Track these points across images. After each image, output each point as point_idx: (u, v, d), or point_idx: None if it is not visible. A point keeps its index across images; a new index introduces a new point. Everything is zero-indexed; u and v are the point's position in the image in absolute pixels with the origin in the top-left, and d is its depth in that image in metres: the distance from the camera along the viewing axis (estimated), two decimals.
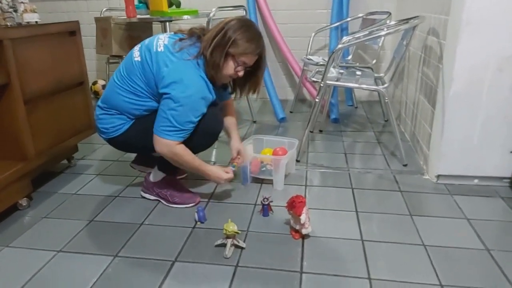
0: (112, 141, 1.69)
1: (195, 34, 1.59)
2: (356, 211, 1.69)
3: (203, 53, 1.54)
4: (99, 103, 1.67)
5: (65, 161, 2.21)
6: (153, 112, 1.59)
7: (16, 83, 1.66)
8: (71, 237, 1.55)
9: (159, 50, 1.55)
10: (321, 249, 1.44)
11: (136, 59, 1.59)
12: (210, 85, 1.57)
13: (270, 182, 1.93)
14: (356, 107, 3.32)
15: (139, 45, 1.65)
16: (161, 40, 1.59)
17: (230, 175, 1.72)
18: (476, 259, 1.38)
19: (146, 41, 1.64)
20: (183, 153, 1.58)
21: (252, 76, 1.67)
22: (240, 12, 2.80)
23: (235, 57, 1.55)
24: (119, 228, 1.60)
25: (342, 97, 3.41)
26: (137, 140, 1.65)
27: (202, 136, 1.62)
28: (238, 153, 1.84)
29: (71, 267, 1.38)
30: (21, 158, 1.73)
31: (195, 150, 1.67)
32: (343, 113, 3.15)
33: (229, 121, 1.88)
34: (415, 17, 1.98)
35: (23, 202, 1.76)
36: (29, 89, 1.74)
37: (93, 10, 3.67)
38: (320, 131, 2.72)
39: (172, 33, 1.68)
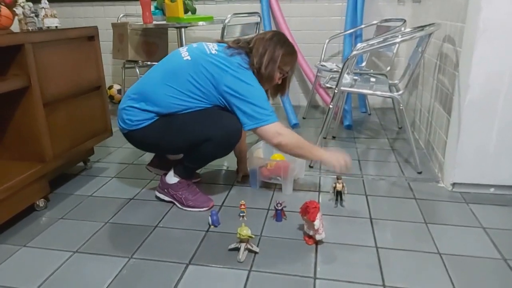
0: (131, 134, 1.70)
1: (241, 47, 1.71)
2: (371, 218, 1.68)
3: (255, 66, 1.67)
4: (130, 94, 1.68)
5: (81, 164, 2.25)
6: (184, 113, 1.63)
7: (36, 86, 1.70)
8: (87, 239, 1.57)
9: (213, 52, 1.65)
10: (335, 255, 1.44)
11: (185, 58, 1.64)
12: None
13: (281, 187, 1.94)
14: (370, 114, 3.31)
15: (185, 47, 1.72)
16: (210, 45, 1.71)
17: (348, 161, 1.71)
18: (492, 268, 1.36)
19: (194, 44, 1.74)
20: (294, 136, 1.70)
21: (284, 81, 1.84)
22: (255, 19, 2.82)
23: (282, 68, 1.74)
24: (134, 230, 1.62)
25: (355, 104, 3.40)
26: (155, 138, 1.67)
27: (225, 138, 1.64)
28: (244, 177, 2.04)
29: (87, 268, 1.40)
30: (40, 160, 1.77)
31: (216, 155, 1.72)
32: (357, 119, 3.14)
33: (243, 148, 2.04)
34: (430, 24, 1.98)
35: (41, 203, 1.79)
36: (48, 92, 1.78)
37: (110, 16, 3.74)
38: (333, 137, 2.72)
39: (216, 42, 1.76)
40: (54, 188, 2.00)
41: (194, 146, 1.65)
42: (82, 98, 2.03)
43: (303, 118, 3.23)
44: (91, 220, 1.71)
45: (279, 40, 1.73)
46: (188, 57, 1.64)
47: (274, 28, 3.40)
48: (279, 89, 1.88)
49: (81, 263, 1.42)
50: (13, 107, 1.72)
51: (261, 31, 1.84)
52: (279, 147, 1.68)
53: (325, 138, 2.70)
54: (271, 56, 1.69)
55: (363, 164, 2.25)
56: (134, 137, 1.70)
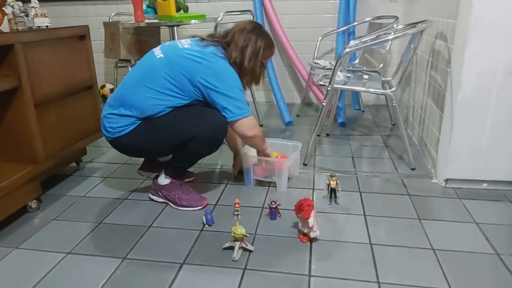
0: (115, 142, 1.68)
1: (216, 40, 1.69)
2: (364, 215, 1.69)
3: (235, 62, 1.66)
4: (110, 101, 1.67)
5: (74, 164, 2.23)
6: (166, 114, 1.61)
7: (27, 87, 1.68)
8: (80, 239, 1.56)
9: (186, 46, 1.64)
10: (329, 253, 1.44)
11: (159, 56, 1.63)
12: None
13: (275, 185, 1.94)
14: (363, 111, 3.32)
15: (159, 47, 1.71)
16: (183, 41, 1.69)
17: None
18: (485, 264, 1.37)
19: (167, 43, 1.72)
20: (261, 131, 1.77)
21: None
22: (247, 17, 2.81)
23: (262, 61, 1.74)
24: (128, 231, 1.61)
25: (349, 101, 3.41)
26: (140, 143, 1.66)
27: (211, 134, 1.64)
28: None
29: (80, 269, 1.39)
30: (31, 161, 1.75)
31: (204, 152, 1.70)
32: (350, 117, 3.15)
33: (238, 141, 2.04)
34: (423, 21, 1.98)
35: (33, 204, 1.77)
36: (39, 92, 1.76)
37: (101, 14, 3.71)
38: (327, 134, 2.72)
39: (191, 37, 1.74)
40: (47, 189, 1.99)
41: (181, 146, 1.65)
42: (74, 98, 2.01)
43: (297, 115, 3.23)
44: (84, 221, 1.69)
45: (260, 32, 1.72)
46: (161, 55, 1.63)
47: (267, 26, 3.39)
48: (254, 79, 1.82)
49: (74, 265, 1.41)
50: (4, 108, 1.70)
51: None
52: (252, 140, 1.73)
53: (318, 135, 2.70)
54: (253, 50, 1.68)
55: (357, 161, 2.26)
56: (119, 144, 1.68)
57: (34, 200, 1.78)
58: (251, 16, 2.87)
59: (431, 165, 2.12)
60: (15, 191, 1.64)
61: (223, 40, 1.69)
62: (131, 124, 1.63)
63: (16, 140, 1.74)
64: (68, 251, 1.48)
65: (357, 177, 2.05)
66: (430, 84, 2.24)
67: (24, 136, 1.72)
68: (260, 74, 1.78)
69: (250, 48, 1.67)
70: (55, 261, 1.43)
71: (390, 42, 2.79)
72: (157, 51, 1.66)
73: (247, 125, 1.67)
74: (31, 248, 1.51)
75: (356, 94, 3.36)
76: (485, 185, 1.89)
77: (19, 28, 1.83)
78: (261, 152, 1.87)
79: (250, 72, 1.71)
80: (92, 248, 1.50)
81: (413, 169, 2.13)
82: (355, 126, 2.92)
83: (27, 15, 1.85)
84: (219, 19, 2.48)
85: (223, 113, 1.63)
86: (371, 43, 2.07)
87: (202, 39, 1.67)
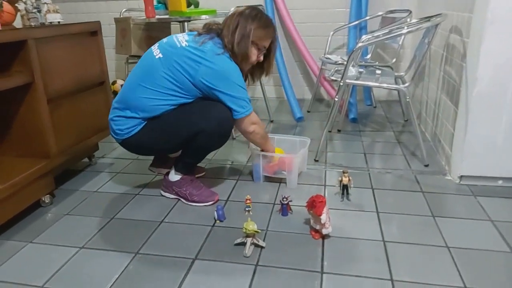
0: (125, 143, 1.69)
1: (212, 30, 1.65)
2: (377, 212, 1.67)
3: (228, 47, 1.61)
4: (115, 104, 1.67)
5: (86, 159, 2.24)
6: (168, 112, 1.61)
7: (40, 82, 1.69)
8: (93, 234, 1.57)
9: (183, 45, 1.60)
10: (341, 250, 1.42)
11: (157, 56, 1.60)
12: None
13: (285, 180, 1.93)
14: (375, 107, 3.28)
15: (156, 45, 1.68)
16: (180, 37, 1.65)
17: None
18: (501, 261, 1.34)
19: (164, 40, 1.68)
20: (263, 126, 1.80)
21: (265, 59, 1.78)
22: (255, 6, 2.79)
23: (258, 44, 1.66)
24: (140, 226, 1.62)
25: (360, 97, 3.37)
26: (149, 142, 1.66)
27: (218, 128, 1.63)
28: None
29: (93, 263, 1.40)
30: (45, 156, 1.77)
31: (213, 146, 1.70)
32: (362, 112, 3.12)
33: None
34: (437, 15, 1.95)
35: (46, 199, 1.79)
36: (52, 88, 1.77)
37: (112, 11, 3.72)
38: (339, 130, 2.70)
39: (187, 31, 1.71)
40: (60, 184, 2.00)
41: (189, 141, 1.64)
42: (85, 94, 2.02)
43: (308, 111, 3.21)
44: (97, 216, 1.70)
45: (251, 13, 1.64)
46: (160, 55, 1.60)
47: (277, 21, 3.37)
48: (261, 68, 1.81)
49: (87, 259, 1.42)
50: (17, 103, 1.71)
51: None
52: (251, 135, 1.74)
53: (330, 131, 2.68)
54: (242, 31, 1.61)
55: (369, 157, 2.23)
56: (129, 144, 1.69)
57: (47, 195, 1.80)
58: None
59: (445, 162, 2.08)
60: (28, 186, 1.66)
61: (218, 28, 1.66)
62: (138, 124, 1.63)
63: (29, 135, 1.75)
64: (81, 246, 1.50)
65: (369, 174, 2.03)
66: (444, 79, 2.20)
67: (37, 132, 1.74)
68: (256, 59, 1.69)
69: (239, 30, 1.60)
70: (68, 256, 1.44)
71: (403, 36, 2.75)
72: (156, 51, 1.63)
73: (247, 121, 1.68)
74: (44, 242, 1.53)
75: (368, 90, 3.32)
76: (500, 182, 1.86)
77: (32, 24, 1.84)
78: (267, 149, 1.88)
79: (242, 56, 1.62)
80: (105, 243, 1.51)
81: (427, 165, 2.10)
82: (367, 122, 2.89)
83: (39, 11, 1.86)
84: (229, 14, 2.46)
85: (230, 109, 1.63)
86: (384, 37, 2.04)
87: (199, 34, 1.64)
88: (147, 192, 1.91)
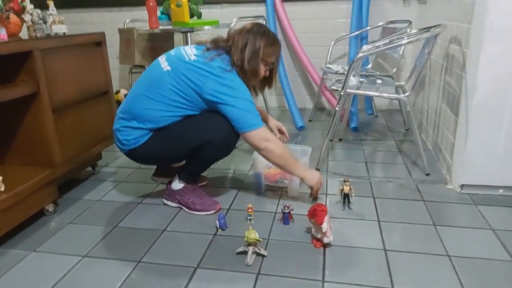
0: (131, 153, 1.70)
1: (220, 47, 1.67)
2: (378, 221, 1.68)
3: (237, 64, 1.63)
4: (120, 114, 1.69)
5: (89, 168, 2.26)
6: (175, 123, 1.63)
7: (45, 92, 1.72)
8: (96, 243, 1.58)
9: (192, 59, 1.62)
10: (343, 258, 1.43)
11: (166, 69, 1.62)
12: None
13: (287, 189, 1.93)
14: (376, 116, 3.30)
15: (163, 56, 1.69)
16: (189, 50, 1.66)
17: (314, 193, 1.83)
18: (502, 270, 1.34)
19: (172, 52, 1.70)
20: (278, 141, 1.68)
21: (269, 73, 1.79)
22: (260, 22, 2.83)
23: (266, 60, 1.70)
24: (142, 234, 1.63)
25: (362, 106, 3.39)
26: (155, 152, 1.67)
27: (224, 139, 1.65)
28: (280, 131, 2.00)
29: (96, 272, 1.40)
30: (49, 165, 1.79)
31: (218, 157, 1.72)
32: (363, 121, 3.13)
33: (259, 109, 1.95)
34: (436, 25, 1.97)
35: (50, 207, 1.80)
36: (57, 98, 1.80)
37: (116, 21, 3.77)
38: (340, 139, 2.71)
39: (195, 44, 1.72)
40: (63, 193, 2.02)
41: (195, 151, 1.66)
42: (89, 103, 2.05)
43: (309, 120, 3.22)
44: (100, 225, 1.72)
45: (258, 31, 1.67)
46: (168, 67, 1.62)
47: (279, 31, 3.40)
48: (266, 81, 1.83)
49: (90, 268, 1.43)
50: (22, 113, 1.74)
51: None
52: (264, 152, 1.65)
53: (331, 140, 2.69)
54: (252, 49, 1.64)
55: (370, 166, 2.25)
56: (135, 155, 1.70)
57: (51, 204, 1.81)
58: (264, 22, 2.88)
59: (446, 171, 2.09)
60: (32, 194, 1.68)
61: (226, 45, 1.67)
62: (145, 135, 1.65)
63: (33, 144, 1.78)
64: (84, 255, 1.51)
65: (370, 183, 2.04)
66: (444, 89, 2.22)
67: (41, 141, 1.76)
68: (263, 74, 1.72)
69: (248, 48, 1.63)
70: (71, 264, 1.45)
71: (403, 46, 2.78)
72: (163, 63, 1.65)
73: (258, 137, 1.62)
74: (47, 251, 1.54)
75: (369, 99, 3.34)
76: (501, 191, 1.86)
77: (38, 35, 1.87)
78: (292, 171, 1.73)
79: (251, 73, 1.66)
80: (107, 252, 1.52)
81: (428, 174, 2.11)
82: (368, 131, 2.91)
83: (45, 22, 1.90)
84: (232, 25, 2.50)
85: (233, 124, 1.62)
86: (384, 47, 2.07)
87: (208, 49, 1.65)
88: (150, 201, 1.92)
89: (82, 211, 1.85)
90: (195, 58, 1.62)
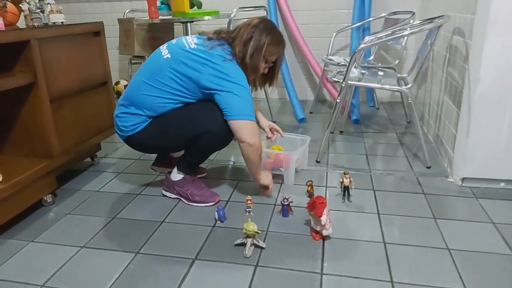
0: (129, 140, 1.69)
1: (223, 37, 1.65)
2: (378, 213, 1.67)
3: (238, 56, 1.61)
4: (120, 101, 1.69)
5: (88, 159, 2.26)
6: (176, 110, 1.62)
7: (43, 82, 1.70)
8: (94, 234, 1.58)
9: (192, 47, 1.60)
10: (342, 251, 1.42)
11: (166, 56, 1.61)
12: None
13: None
14: (378, 108, 3.28)
15: (165, 45, 1.69)
16: (190, 39, 1.66)
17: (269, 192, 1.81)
18: (502, 264, 1.33)
19: (173, 41, 1.69)
20: (260, 139, 1.64)
21: (270, 71, 1.78)
22: (261, 13, 2.80)
23: (268, 58, 1.67)
24: (141, 226, 1.62)
25: (363, 98, 3.37)
26: (153, 139, 1.67)
27: (222, 130, 1.62)
28: (271, 129, 1.94)
29: (94, 263, 1.40)
30: (47, 156, 1.78)
31: (216, 147, 1.71)
32: (364, 114, 3.11)
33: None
34: (439, 16, 1.94)
35: (48, 198, 1.80)
36: (55, 88, 1.78)
37: (116, 11, 3.74)
38: (341, 132, 2.70)
39: (197, 34, 1.70)
40: (62, 183, 2.01)
41: (193, 141, 1.65)
42: (88, 94, 2.03)
43: (310, 112, 3.21)
44: (98, 216, 1.71)
45: (266, 27, 1.65)
46: (168, 55, 1.61)
47: (281, 22, 3.37)
48: (268, 78, 1.81)
49: (88, 258, 1.43)
50: (20, 103, 1.73)
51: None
52: (249, 147, 1.61)
53: (332, 132, 2.68)
54: (256, 44, 1.61)
55: (371, 159, 2.23)
56: (133, 141, 1.70)
57: (50, 195, 1.80)
58: (265, 12, 2.85)
59: (447, 164, 2.08)
60: (30, 185, 1.67)
61: (230, 36, 1.65)
62: (143, 121, 1.64)
63: (31, 135, 1.76)
64: (82, 245, 1.50)
65: (371, 175, 2.03)
66: (447, 81, 2.19)
67: (39, 131, 1.75)
68: (259, 69, 1.67)
69: (253, 42, 1.61)
70: (70, 255, 1.45)
71: (406, 38, 2.75)
72: (164, 51, 1.64)
73: (249, 130, 1.59)
74: (46, 241, 1.54)
75: (370, 91, 3.32)
76: (502, 184, 1.85)
77: (35, 24, 1.85)
78: (252, 175, 1.77)
79: (252, 68, 1.64)
80: (106, 243, 1.52)
81: (429, 167, 2.09)
82: (369, 123, 2.89)
83: (42, 12, 1.87)
84: (232, 15, 2.47)
85: (224, 111, 1.57)
86: (386, 39, 2.04)
87: (209, 38, 1.64)
88: (149, 191, 1.92)
89: (80, 201, 1.84)
90: (195, 46, 1.61)
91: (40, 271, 1.36)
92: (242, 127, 1.58)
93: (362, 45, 2.02)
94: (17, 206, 1.62)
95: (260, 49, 1.62)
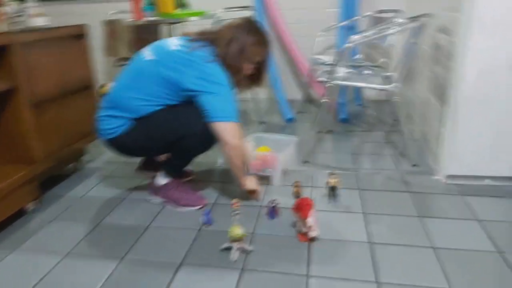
0: (110, 143, 1.66)
1: (206, 38, 1.62)
2: (363, 213, 1.67)
3: (220, 56, 1.57)
4: (103, 103, 1.66)
5: (72, 164, 2.22)
6: (154, 113, 1.59)
7: (23, 87, 1.67)
8: (78, 241, 1.55)
9: (174, 48, 1.58)
10: (328, 252, 1.42)
11: (148, 58, 1.59)
12: None
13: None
14: (365, 107, 3.28)
15: (148, 47, 1.66)
16: (173, 40, 1.63)
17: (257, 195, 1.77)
18: (487, 262, 1.34)
19: (156, 42, 1.67)
20: (243, 141, 1.62)
21: (257, 72, 1.73)
22: (248, 13, 2.78)
23: (251, 59, 1.64)
24: (126, 231, 1.60)
25: (350, 97, 3.37)
26: (133, 143, 1.64)
27: (205, 131, 1.59)
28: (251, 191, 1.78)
29: (77, 272, 1.38)
30: (29, 162, 1.74)
31: (199, 149, 1.68)
32: (352, 112, 3.11)
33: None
34: (424, 14, 1.95)
35: (31, 205, 1.77)
36: (37, 93, 1.75)
37: (102, 12, 3.69)
38: (329, 131, 2.69)
39: (181, 35, 1.68)
40: (46, 189, 1.98)
41: (175, 144, 1.62)
42: (71, 98, 2.00)
43: (299, 112, 3.20)
44: (82, 222, 1.69)
45: (249, 27, 1.61)
46: (151, 57, 1.59)
47: (268, 20, 3.35)
48: (254, 80, 1.75)
49: (71, 268, 1.40)
50: (0, 109, 1.69)
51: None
52: (232, 150, 1.58)
53: (320, 132, 2.67)
54: (238, 45, 1.58)
55: (358, 158, 2.23)
56: (114, 145, 1.67)
57: (32, 202, 1.77)
58: (252, 12, 2.83)
59: (433, 161, 2.08)
60: (12, 193, 1.63)
61: (213, 37, 1.62)
62: (124, 124, 1.61)
63: (12, 141, 1.73)
64: (65, 254, 1.48)
65: (357, 174, 2.03)
66: (432, 79, 2.20)
67: (20, 137, 1.72)
68: (246, 72, 1.65)
69: (235, 43, 1.57)
70: (51, 265, 1.42)
71: (392, 36, 2.74)
72: (147, 53, 1.62)
73: (232, 132, 1.56)
74: (28, 251, 1.51)
75: (357, 90, 3.32)
76: (487, 181, 1.86)
77: (16, 28, 1.81)
78: (236, 180, 1.73)
79: (235, 69, 1.60)
80: (90, 250, 1.49)
81: (415, 165, 2.10)
82: (357, 122, 2.89)
83: (23, 15, 1.84)
84: (218, 15, 2.46)
85: (206, 113, 1.54)
86: (372, 37, 2.04)
87: (193, 39, 1.61)
88: (134, 196, 1.90)
89: (64, 208, 1.81)
90: (179, 48, 1.58)
91: (20, 282, 1.33)
92: (224, 129, 1.56)
93: (346, 45, 2.02)
94: None
95: (242, 50, 1.59)
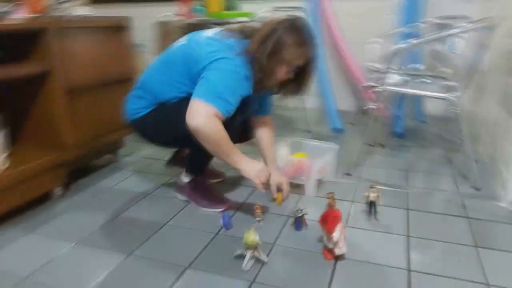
0: (132, 124, 1.61)
1: (244, 33, 1.48)
2: (408, 236, 1.43)
3: (249, 52, 1.40)
4: (134, 84, 1.63)
5: (108, 156, 2.21)
6: (174, 100, 1.49)
7: (59, 71, 1.67)
8: (92, 231, 1.50)
9: (205, 35, 1.49)
10: (355, 274, 1.21)
11: (181, 43, 1.53)
12: (250, 85, 1.44)
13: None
14: (427, 123, 2.97)
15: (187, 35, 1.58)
16: (210, 30, 1.53)
17: (262, 183, 1.48)
18: None
19: (193, 32, 1.58)
20: (219, 128, 1.34)
21: (299, 78, 1.51)
22: (300, 17, 2.65)
23: (289, 62, 1.41)
24: (141, 226, 1.52)
25: (410, 110, 3.08)
26: (152, 127, 1.56)
27: None
28: (279, 189, 1.58)
29: (82, 260, 1.31)
30: (59, 147, 1.74)
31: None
32: (411, 127, 2.83)
33: (266, 140, 1.69)
34: (489, 17, 1.68)
35: (58, 191, 1.75)
36: (72, 79, 1.75)
37: (154, 15, 3.76)
38: (382, 145, 2.45)
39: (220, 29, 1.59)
40: (78, 178, 1.97)
41: (189, 136, 1.40)
42: (109, 89, 1.99)
43: (351, 124, 2.97)
44: (102, 213, 1.63)
45: (291, 26, 1.39)
46: (183, 42, 1.53)
47: (321, 26, 3.20)
48: (294, 86, 1.53)
49: (77, 255, 1.34)
50: (35, 92, 1.70)
51: None
52: (197, 128, 1.32)
53: (371, 145, 2.43)
54: (274, 44, 1.37)
55: (411, 176, 1.97)
56: (135, 126, 1.61)
57: (59, 187, 1.76)
58: (303, 14, 2.70)
59: (499, 186, 1.77)
60: (38, 175, 1.63)
61: (250, 31, 1.47)
62: (145, 108, 1.55)
63: (44, 125, 1.74)
64: (75, 242, 1.42)
65: (408, 193, 1.78)
66: (506, 93, 1.90)
67: (52, 122, 1.72)
68: (275, 74, 1.43)
69: (271, 40, 1.37)
70: (60, 250, 1.37)
71: (457, 44, 2.46)
72: (182, 39, 1.56)
73: (201, 110, 1.31)
74: (40, 235, 1.48)
75: (418, 103, 3.03)
76: None
77: (56, 14, 1.84)
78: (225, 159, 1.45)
79: (266, 71, 1.40)
80: (101, 241, 1.43)
81: (478, 189, 1.80)
82: (415, 138, 2.61)
83: (66, 3, 1.86)
84: (263, 15, 2.36)
85: (196, 88, 1.36)
86: (427, 40, 1.80)
87: (228, 31, 1.49)
88: (161, 192, 1.82)
89: (90, 198, 1.78)
90: (210, 35, 1.49)
91: (26, 264, 1.30)
92: (196, 109, 1.32)
93: (399, 47, 1.80)
94: (22, 195, 1.58)
95: (277, 50, 1.38)
